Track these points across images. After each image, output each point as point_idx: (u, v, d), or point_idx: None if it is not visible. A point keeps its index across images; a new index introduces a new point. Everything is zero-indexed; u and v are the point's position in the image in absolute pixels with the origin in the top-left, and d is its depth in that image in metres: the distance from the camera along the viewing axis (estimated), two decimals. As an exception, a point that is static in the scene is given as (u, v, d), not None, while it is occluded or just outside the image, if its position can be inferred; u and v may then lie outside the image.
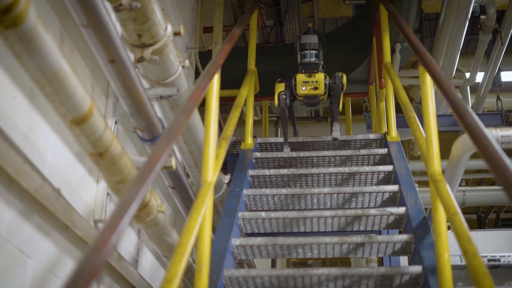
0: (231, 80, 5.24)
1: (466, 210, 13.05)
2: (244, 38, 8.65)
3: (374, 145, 4.51)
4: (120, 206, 1.62)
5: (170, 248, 3.65)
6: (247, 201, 3.69)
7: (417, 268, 2.82)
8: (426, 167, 2.90)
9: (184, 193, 3.89)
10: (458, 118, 2.37)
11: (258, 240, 3.13)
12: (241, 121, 5.68)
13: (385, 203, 3.67)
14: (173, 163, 3.08)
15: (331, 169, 3.94)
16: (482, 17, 6.59)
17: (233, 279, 2.91)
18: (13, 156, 2.11)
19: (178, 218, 4.87)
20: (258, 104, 7.35)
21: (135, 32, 2.70)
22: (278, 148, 4.58)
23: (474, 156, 3.51)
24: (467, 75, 7.80)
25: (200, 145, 3.96)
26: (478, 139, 2.09)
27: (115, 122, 3.38)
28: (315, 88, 4.42)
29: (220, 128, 5.75)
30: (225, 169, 4.96)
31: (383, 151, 4.18)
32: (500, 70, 7.85)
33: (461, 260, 6.83)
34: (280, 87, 4.43)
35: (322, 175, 3.93)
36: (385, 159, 4.19)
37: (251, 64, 4.85)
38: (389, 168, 3.89)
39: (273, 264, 11.76)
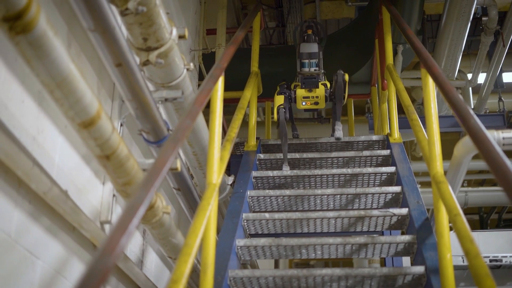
0: (234, 82, 5.27)
1: (468, 211, 13.06)
2: (247, 39, 8.68)
3: (377, 146, 4.54)
4: (129, 208, 1.65)
5: (175, 249, 3.69)
6: (251, 202, 3.73)
7: (419, 269, 2.85)
8: (428, 168, 2.93)
9: (188, 194, 3.93)
10: (460, 120, 2.41)
11: (262, 241, 3.16)
12: (244, 123, 5.72)
13: (388, 204, 3.70)
14: (179, 165, 3.12)
15: (334, 171, 3.97)
16: (484, 18, 6.61)
17: (238, 279, 2.94)
18: (23, 158, 2.15)
19: (182, 219, 4.90)
20: (261, 105, 7.38)
21: (141, 36, 2.74)
22: (280, 149, 4.60)
23: (476, 157, 3.54)
24: (469, 76, 7.82)
25: (204, 146, 4.00)
26: (480, 141, 2.12)
27: (121, 125, 3.41)
28: (316, 103, 4.32)
29: (223, 130, 5.78)
30: (228, 170, 4.99)
31: (386, 152, 4.21)
32: (502, 71, 7.86)
33: (463, 260, 6.85)
34: (279, 100, 4.27)
35: (325, 176, 3.97)
36: (387, 160, 4.22)
37: (254, 66, 4.88)
38: (391, 169, 3.92)
39: (276, 265, 11.79)
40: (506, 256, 7.42)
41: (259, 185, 4.06)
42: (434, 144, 2.91)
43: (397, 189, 3.63)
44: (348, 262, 15.90)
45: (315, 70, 4.29)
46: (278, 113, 4.16)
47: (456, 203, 2.50)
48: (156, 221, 3.20)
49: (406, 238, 3.11)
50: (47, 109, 2.61)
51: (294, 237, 3.20)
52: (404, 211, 3.36)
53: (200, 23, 5.76)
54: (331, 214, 3.37)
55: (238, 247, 3.18)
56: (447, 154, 4.02)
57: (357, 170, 3.95)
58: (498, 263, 7.43)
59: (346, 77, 4.24)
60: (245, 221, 3.45)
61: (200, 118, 3.87)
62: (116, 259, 1.43)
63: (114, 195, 3.31)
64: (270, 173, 4.00)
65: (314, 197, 3.68)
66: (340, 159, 4.25)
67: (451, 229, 2.56)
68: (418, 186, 3.70)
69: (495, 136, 3.08)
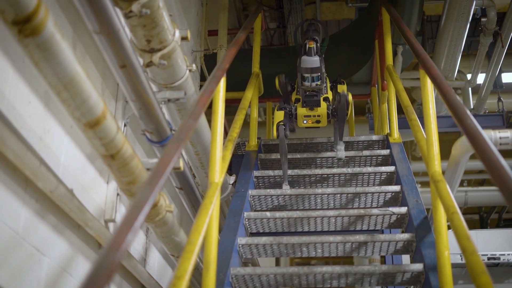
0: (236, 83, 5.31)
1: (468, 211, 13.10)
2: (248, 40, 8.72)
3: (377, 146, 4.58)
4: (135, 205, 1.70)
5: (178, 247, 3.74)
6: (252, 201, 3.78)
7: (418, 266, 2.89)
8: (426, 167, 2.96)
9: (191, 193, 3.97)
10: (457, 121, 2.45)
11: (263, 239, 3.21)
12: (245, 123, 5.77)
13: (387, 203, 3.75)
14: (181, 164, 3.17)
15: (335, 170, 4.02)
16: (483, 19, 6.65)
17: (239, 277, 2.99)
18: (30, 158, 2.20)
19: (184, 218, 4.95)
20: (262, 106, 7.43)
21: (144, 38, 2.79)
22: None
23: (476, 157, 3.58)
24: (469, 76, 7.86)
25: (206, 146, 4.05)
26: (476, 141, 2.16)
27: (124, 125, 3.46)
28: (317, 122, 4.18)
29: (225, 130, 5.83)
30: (230, 170, 5.04)
31: (386, 152, 4.26)
32: (501, 72, 7.90)
33: (461, 258, 6.89)
34: (279, 116, 4.09)
35: (326, 175, 4.02)
36: (387, 160, 4.26)
37: (255, 67, 4.92)
38: (391, 169, 3.97)
39: (277, 264, 11.84)
40: (504, 254, 7.45)
41: (260, 184, 4.11)
42: (432, 144, 2.96)
43: (396, 188, 3.68)
44: (348, 261, 15.92)
45: (316, 85, 4.05)
46: (277, 130, 3.99)
47: (453, 201, 2.53)
48: (159, 219, 3.25)
49: (405, 236, 3.15)
50: (54, 109, 2.67)
51: (295, 236, 3.24)
52: (403, 209, 3.40)
53: (201, 24, 5.80)
54: (331, 213, 3.41)
55: (240, 245, 3.23)
56: (447, 154, 4.07)
57: (357, 169, 4.00)
58: (496, 261, 7.47)
59: (350, 97, 4.02)
60: (246, 219, 3.50)
61: (203, 118, 3.92)
62: (122, 255, 1.48)
63: (118, 194, 3.36)
64: (271, 172, 4.05)
65: (314, 196, 3.73)
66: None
67: (449, 227, 2.60)
68: (418, 185, 3.75)
69: (492, 136, 3.12)
